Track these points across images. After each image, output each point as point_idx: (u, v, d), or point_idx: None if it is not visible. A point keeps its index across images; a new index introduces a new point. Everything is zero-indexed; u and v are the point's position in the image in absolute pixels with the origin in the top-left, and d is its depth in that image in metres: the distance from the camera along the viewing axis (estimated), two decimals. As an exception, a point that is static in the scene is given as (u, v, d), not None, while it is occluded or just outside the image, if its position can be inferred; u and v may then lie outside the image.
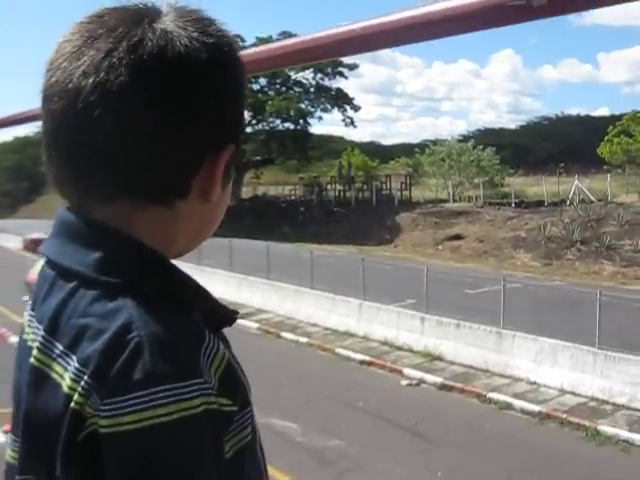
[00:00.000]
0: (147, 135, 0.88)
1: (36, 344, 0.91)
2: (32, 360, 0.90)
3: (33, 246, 36.72)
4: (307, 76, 55.22)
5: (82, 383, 0.81)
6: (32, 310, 0.95)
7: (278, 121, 55.08)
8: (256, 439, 0.95)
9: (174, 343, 0.82)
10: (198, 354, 0.83)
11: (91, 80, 0.86)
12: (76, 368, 0.82)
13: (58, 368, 0.85)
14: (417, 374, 15.49)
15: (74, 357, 0.83)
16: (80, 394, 0.81)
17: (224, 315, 0.96)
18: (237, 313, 1.00)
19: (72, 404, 0.81)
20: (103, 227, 0.90)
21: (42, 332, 0.90)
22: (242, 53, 1.06)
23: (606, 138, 43.81)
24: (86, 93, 0.87)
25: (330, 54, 1.40)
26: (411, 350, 17.16)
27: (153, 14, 0.92)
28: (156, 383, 0.78)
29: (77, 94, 0.87)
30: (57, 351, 0.86)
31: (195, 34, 0.91)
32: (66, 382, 0.83)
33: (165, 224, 0.94)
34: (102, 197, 0.91)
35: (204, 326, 0.88)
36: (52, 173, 0.95)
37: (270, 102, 52.57)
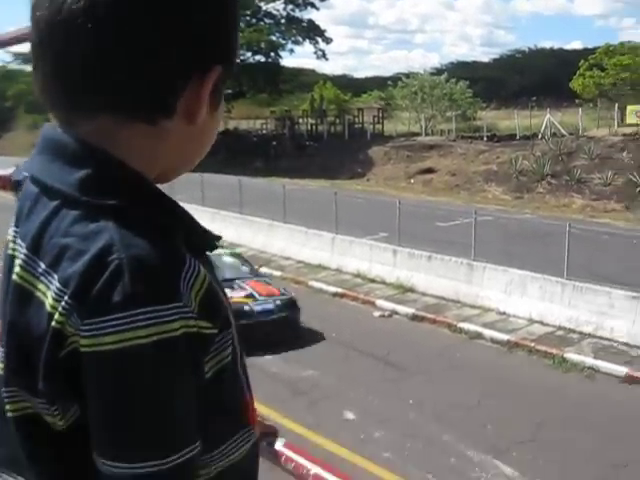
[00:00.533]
0: (131, 48, 0.87)
1: (19, 261, 0.91)
2: (15, 277, 0.91)
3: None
4: (278, 7, 54.12)
5: (63, 303, 0.82)
6: (16, 227, 0.95)
7: (249, 54, 54.01)
8: (237, 358, 0.97)
9: (154, 266, 0.82)
10: (178, 278, 0.83)
11: None
12: (57, 287, 0.83)
13: (41, 286, 0.86)
14: (389, 305, 15.70)
15: (55, 276, 0.84)
16: (61, 313, 0.82)
17: (207, 239, 0.98)
18: (219, 238, 1.01)
19: (53, 323, 0.82)
20: (88, 145, 0.90)
21: (24, 250, 0.91)
22: None
23: (578, 72, 43.68)
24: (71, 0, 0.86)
25: None
26: (383, 282, 17.35)
27: None
28: (136, 305, 0.79)
29: (62, 1, 0.86)
30: (40, 269, 0.87)
31: None
32: (48, 301, 0.84)
33: (148, 143, 0.93)
34: (85, 111, 0.91)
35: (186, 250, 0.88)
36: (38, 84, 0.94)
37: (240, 34, 51.47)
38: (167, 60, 0.88)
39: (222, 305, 0.91)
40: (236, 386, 0.99)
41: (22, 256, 0.91)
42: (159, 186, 0.96)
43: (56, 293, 0.83)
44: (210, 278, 0.88)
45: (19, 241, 0.93)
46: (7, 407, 0.92)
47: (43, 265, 0.86)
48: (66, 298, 0.82)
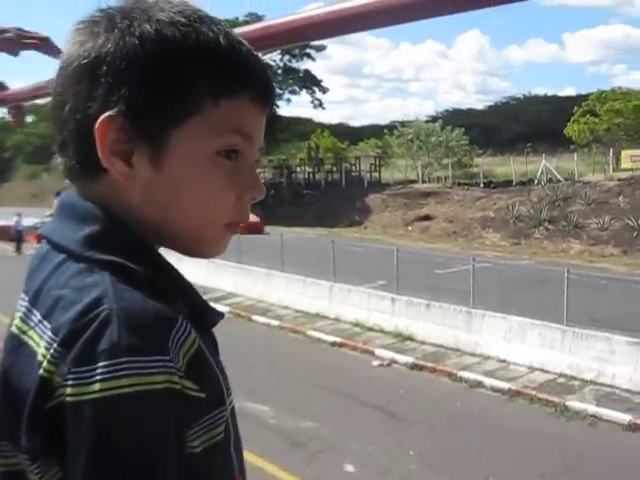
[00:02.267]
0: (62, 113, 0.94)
1: (19, 314, 0.93)
2: (13, 328, 0.92)
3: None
4: (274, 58, 54.91)
5: (52, 351, 0.82)
6: (25, 285, 0.96)
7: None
8: (230, 440, 0.94)
9: (144, 319, 0.82)
10: (168, 334, 0.82)
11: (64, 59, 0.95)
12: (49, 336, 0.83)
13: (35, 336, 0.87)
14: (388, 354, 15.57)
15: (49, 325, 0.84)
16: (50, 362, 0.82)
17: (208, 314, 0.96)
18: (222, 315, 0.99)
19: (41, 371, 0.82)
20: (94, 205, 0.92)
21: (26, 303, 0.92)
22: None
23: (573, 118, 44.19)
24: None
25: (299, 38, 1.38)
26: (382, 331, 17.24)
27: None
28: (121, 355, 0.78)
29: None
30: (35, 319, 0.88)
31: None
32: (41, 350, 0.84)
33: (108, 198, 0.93)
34: (76, 172, 0.96)
35: (184, 318, 0.86)
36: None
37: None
38: (79, 114, 0.92)
39: (216, 378, 0.90)
40: (227, 467, 0.95)
41: (23, 309, 0.92)
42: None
43: (47, 342, 0.83)
44: (202, 346, 0.86)
45: (22, 296, 0.95)
46: None
47: (39, 315, 0.88)
48: (55, 346, 0.82)
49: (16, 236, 32.34)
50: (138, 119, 0.90)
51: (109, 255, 0.87)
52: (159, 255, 0.94)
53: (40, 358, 0.83)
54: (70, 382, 0.79)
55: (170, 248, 0.99)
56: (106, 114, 0.89)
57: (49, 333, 0.84)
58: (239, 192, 0.99)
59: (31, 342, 0.87)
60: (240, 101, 0.95)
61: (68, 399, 0.79)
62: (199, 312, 0.93)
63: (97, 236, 0.89)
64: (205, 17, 0.95)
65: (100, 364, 0.78)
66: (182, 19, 0.92)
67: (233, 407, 0.95)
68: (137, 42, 0.90)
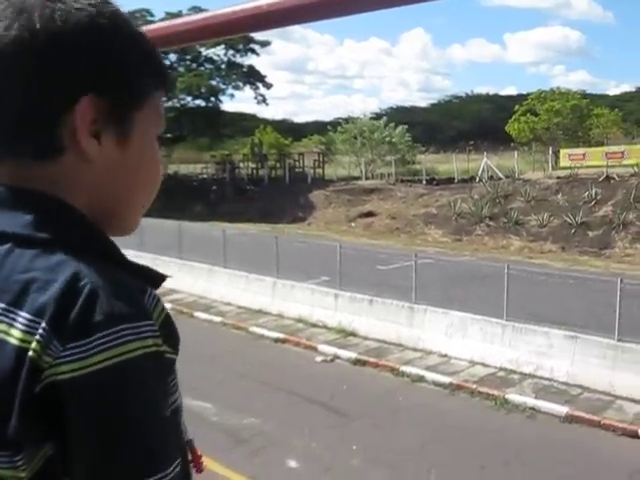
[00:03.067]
0: (7, 88, 0.91)
1: None
2: None
3: None
4: (218, 52, 54.52)
5: (40, 332, 0.80)
6: None
7: (189, 98, 54.20)
8: (180, 405, 0.97)
9: (124, 289, 0.84)
10: (143, 300, 0.86)
11: None
12: (27, 319, 0.81)
13: (1, 326, 0.83)
14: (331, 350, 15.60)
15: (21, 312, 0.82)
16: (38, 343, 0.80)
17: (153, 276, 0.97)
18: (164, 277, 1.00)
19: (30, 353, 0.80)
20: (22, 189, 0.92)
21: None
22: (151, 27, 1.16)
23: (513, 117, 45.00)
24: None
25: (240, 30, 1.38)
26: (325, 327, 17.26)
27: None
28: (117, 322, 0.80)
29: None
30: None
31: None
32: (15, 337, 0.81)
33: (57, 181, 0.93)
34: (19, 156, 0.94)
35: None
36: None
37: (180, 78, 51.51)
38: (39, 97, 0.91)
39: (179, 338, 0.92)
40: (183, 432, 1.00)
41: None
42: None
43: (26, 325, 0.81)
44: (166, 308, 0.91)
45: None
46: None
47: (2, 304, 0.84)
48: (43, 325, 0.80)
49: None
50: (112, 101, 0.94)
51: (65, 234, 0.88)
52: (104, 232, 0.96)
53: (15, 343, 0.81)
54: (68, 358, 0.79)
55: (108, 232, 0.99)
56: (87, 96, 0.91)
57: (24, 317, 0.81)
58: None
59: None
60: (162, 92, 1.04)
61: (65, 376, 0.78)
62: (147, 276, 0.95)
63: (45, 217, 0.89)
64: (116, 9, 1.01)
65: (99, 334, 0.79)
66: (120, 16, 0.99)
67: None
68: (108, 25, 0.95)
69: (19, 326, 0.81)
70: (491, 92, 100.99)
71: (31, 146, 0.92)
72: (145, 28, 1.08)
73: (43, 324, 0.80)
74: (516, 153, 40.20)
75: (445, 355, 14.92)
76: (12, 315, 0.83)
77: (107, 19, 0.95)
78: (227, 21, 1.26)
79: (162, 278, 0.98)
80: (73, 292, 0.81)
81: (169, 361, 0.88)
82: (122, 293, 0.83)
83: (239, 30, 1.34)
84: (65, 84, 0.91)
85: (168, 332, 0.88)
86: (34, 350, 0.80)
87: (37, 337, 0.80)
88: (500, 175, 37.71)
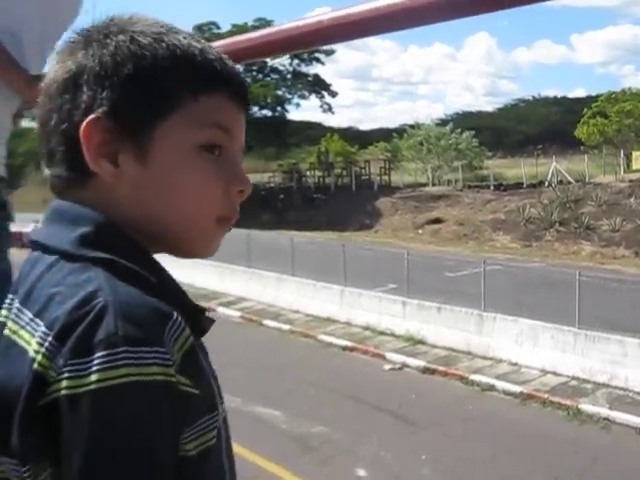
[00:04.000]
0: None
1: (11, 317, 0.92)
2: (5, 331, 0.91)
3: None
4: (284, 62, 55.00)
5: (46, 345, 0.81)
6: (14, 288, 0.96)
7: (256, 108, 54.74)
8: (222, 446, 0.93)
9: (140, 311, 0.82)
10: (163, 327, 0.83)
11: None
12: (42, 332, 0.83)
13: (25, 335, 0.85)
14: (400, 358, 15.54)
15: (42, 322, 0.84)
16: (44, 356, 0.81)
17: (199, 319, 0.96)
18: (213, 321, 0.99)
19: (36, 365, 0.81)
20: (83, 207, 0.93)
21: (17, 304, 0.92)
22: (215, 44, 1.10)
23: (582, 119, 44.05)
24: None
25: (302, 45, 1.39)
26: (393, 334, 17.21)
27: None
28: (118, 344, 0.78)
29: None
30: (26, 319, 0.87)
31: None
32: (32, 347, 0.83)
33: (97, 202, 0.94)
34: (64, 182, 0.97)
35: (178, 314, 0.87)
36: None
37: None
38: (57, 122, 0.95)
39: (208, 381, 0.90)
40: (218, 471, 0.94)
41: (15, 311, 0.92)
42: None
43: (41, 337, 0.82)
44: (194, 341, 0.86)
45: (11, 297, 0.95)
46: None
47: (30, 314, 0.87)
48: (50, 339, 0.81)
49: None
50: (120, 118, 0.93)
51: (103, 253, 0.88)
52: (151, 256, 0.95)
53: (32, 354, 0.82)
54: (66, 375, 0.78)
55: (162, 250, 0.99)
56: (90, 117, 0.92)
57: (42, 329, 0.83)
58: (225, 185, 1.00)
59: (21, 341, 0.86)
60: (218, 98, 0.98)
61: (63, 392, 0.78)
62: (191, 315, 0.92)
63: (90, 235, 0.90)
64: (174, 28, 0.99)
65: (97, 354, 0.78)
66: (153, 29, 0.97)
67: (225, 417, 0.95)
68: (113, 49, 0.94)
69: (36, 337, 0.83)
70: (559, 95, 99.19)
71: (66, 172, 0.96)
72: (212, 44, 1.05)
73: (50, 337, 0.81)
74: (586, 157, 39.37)
75: (515, 364, 14.70)
76: (35, 325, 0.85)
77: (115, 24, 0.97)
78: (290, 37, 1.28)
79: (207, 324, 0.97)
80: (85, 308, 0.81)
81: (184, 395, 0.83)
82: (136, 315, 0.81)
83: (301, 46, 1.36)
84: (74, 111, 0.93)
85: (191, 365, 0.85)
86: (40, 363, 0.80)
87: (44, 350, 0.81)
88: (570, 179, 36.99)
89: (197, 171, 0.96)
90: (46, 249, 0.92)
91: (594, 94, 50.93)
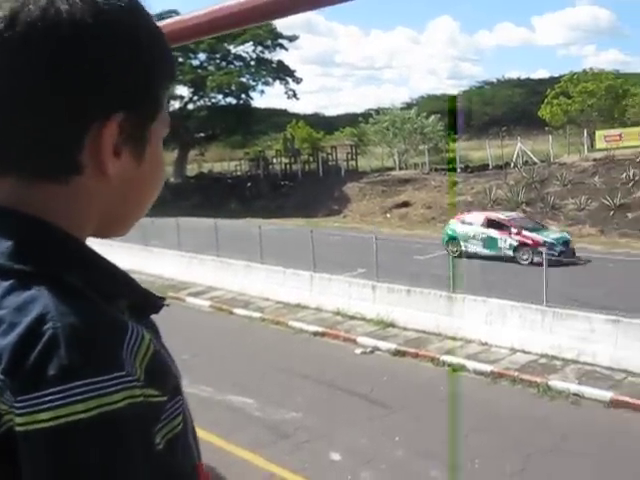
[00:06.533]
0: (18, 102, 0.84)
1: None
2: None
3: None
4: (247, 49, 54.63)
5: None
6: None
7: (220, 96, 54.42)
8: (188, 427, 0.91)
9: (93, 335, 0.77)
10: (120, 346, 0.78)
11: None
12: None
13: None
14: (371, 342, 15.59)
15: None
16: None
17: (150, 302, 0.93)
18: (164, 299, 0.96)
19: None
20: (13, 212, 0.85)
21: None
22: (164, 22, 1.10)
23: (546, 100, 44.43)
24: None
25: (245, 22, 1.38)
26: (364, 318, 17.25)
27: None
28: (73, 377, 0.73)
29: None
30: None
31: None
32: None
33: (65, 201, 0.88)
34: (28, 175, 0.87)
35: (128, 315, 0.84)
36: None
37: (210, 77, 51.79)
38: (60, 115, 0.84)
39: (170, 371, 0.85)
40: (188, 455, 0.91)
41: None
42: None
43: None
44: (155, 343, 0.82)
45: None
46: None
47: None
48: None
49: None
50: (136, 118, 0.90)
51: (41, 265, 0.81)
52: (90, 251, 0.89)
53: None
54: (19, 411, 0.73)
55: (104, 236, 0.97)
56: (117, 114, 0.87)
57: None
58: None
59: None
60: (168, 90, 0.99)
61: (19, 429, 0.73)
62: (140, 301, 0.90)
63: (24, 245, 0.83)
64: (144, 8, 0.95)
65: (51, 389, 0.73)
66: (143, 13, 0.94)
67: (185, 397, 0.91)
68: (128, 41, 0.89)
69: None
70: (522, 76, 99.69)
71: (46, 165, 0.87)
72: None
73: None
74: (550, 137, 39.73)
75: (485, 343, 14.82)
76: None
77: (134, 16, 0.90)
78: (231, 14, 1.27)
79: (158, 305, 0.95)
80: (33, 338, 0.74)
81: (154, 405, 0.80)
82: (89, 340, 0.76)
83: (244, 22, 1.35)
84: (94, 101, 0.85)
85: (156, 374, 0.81)
86: None
87: None
88: (535, 160, 37.31)
89: (163, 161, 0.99)
90: None
91: (557, 75, 51.58)
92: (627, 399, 11.61)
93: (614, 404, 11.62)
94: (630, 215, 28.65)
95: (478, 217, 24.46)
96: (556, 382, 12.54)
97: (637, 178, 30.00)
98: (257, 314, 18.68)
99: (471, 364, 13.77)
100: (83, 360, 0.74)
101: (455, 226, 24.41)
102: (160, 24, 1.02)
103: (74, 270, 0.83)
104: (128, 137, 0.90)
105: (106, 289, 0.84)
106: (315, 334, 16.74)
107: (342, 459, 10.28)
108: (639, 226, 27.94)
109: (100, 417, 0.73)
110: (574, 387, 12.30)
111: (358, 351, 15.33)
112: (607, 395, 11.81)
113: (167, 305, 0.98)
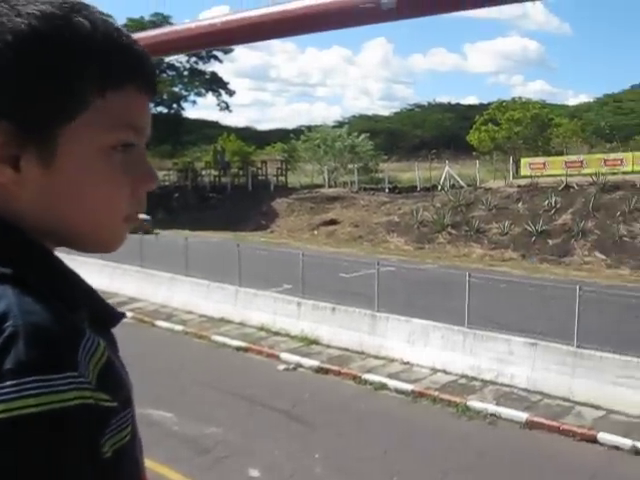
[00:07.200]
0: None
1: None
2: None
3: None
4: (181, 59, 54.28)
5: None
6: None
7: (151, 105, 53.90)
8: (136, 441, 0.92)
9: (51, 335, 0.79)
10: (76, 348, 0.80)
11: None
12: None
13: None
14: (294, 358, 15.55)
15: None
16: None
17: (110, 315, 0.95)
18: (123, 314, 0.98)
19: None
20: None
21: None
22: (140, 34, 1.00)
23: (475, 126, 45.52)
24: None
25: (196, 47, 1.38)
26: (288, 335, 17.21)
27: None
28: (27, 373, 0.75)
29: None
30: None
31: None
32: None
33: (6, 205, 0.88)
34: None
35: (87, 324, 0.85)
36: None
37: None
38: None
39: (123, 382, 0.88)
40: (133, 468, 0.93)
41: None
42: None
43: None
44: (109, 353, 0.85)
45: None
46: None
47: None
48: None
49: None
50: (22, 122, 0.85)
51: (5, 266, 0.83)
52: (56, 259, 0.91)
53: None
54: None
55: (69, 247, 0.96)
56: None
57: None
58: (134, 183, 0.96)
59: None
60: (127, 92, 0.92)
61: None
62: (101, 314, 0.92)
63: None
64: (78, 5, 0.90)
65: (6, 383, 0.74)
66: (55, 11, 0.87)
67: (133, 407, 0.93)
68: (10, 40, 0.84)
69: None
70: (453, 101, 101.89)
71: None
72: None
73: None
74: (477, 162, 40.67)
75: (407, 363, 14.96)
76: None
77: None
78: (181, 37, 1.26)
79: (118, 318, 0.97)
80: None
81: (103, 409, 0.81)
82: (47, 339, 0.77)
83: (195, 46, 1.35)
84: None
85: (108, 379, 0.83)
86: None
87: None
88: (462, 184, 38.10)
89: (106, 174, 0.91)
90: None
91: (485, 102, 52.93)
92: (542, 420, 11.88)
93: (529, 425, 11.87)
94: (551, 241, 29.49)
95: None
96: (474, 402, 12.74)
97: (559, 206, 30.92)
98: (180, 327, 18.44)
99: (393, 383, 13.87)
100: (39, 357, 0.76)
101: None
102: (136, 36, 0.98)
103: (38, 274, 0.85)
104: (22, 143, 0.86)
105: (68, 296, 0.86)
106: (238, 349, 16.61)
107: (261, 475, 10.19)
108: (559, 252, 28.77)
109: (50, 413, 0.74)
110: (492, 407, 12.51)
111: (281, 367, 15.27)
112: (523, 416, 12.06)
113: (127, 318, 1.00)
